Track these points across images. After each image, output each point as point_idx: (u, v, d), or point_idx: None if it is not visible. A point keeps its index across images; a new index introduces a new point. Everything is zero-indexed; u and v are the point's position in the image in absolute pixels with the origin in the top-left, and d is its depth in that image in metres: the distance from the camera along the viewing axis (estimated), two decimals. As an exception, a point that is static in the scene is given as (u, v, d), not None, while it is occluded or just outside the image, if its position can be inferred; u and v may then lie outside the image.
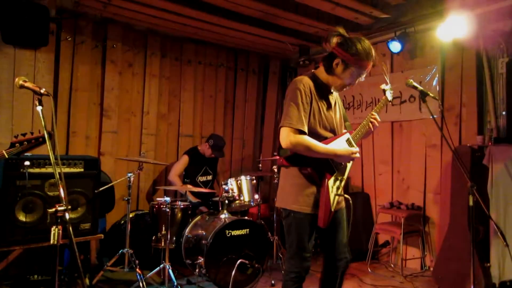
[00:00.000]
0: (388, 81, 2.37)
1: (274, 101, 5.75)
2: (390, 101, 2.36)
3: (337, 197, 2.03)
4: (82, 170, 3.18)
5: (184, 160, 4.39)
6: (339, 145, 2.05)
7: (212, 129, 5.24)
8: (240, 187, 3.83)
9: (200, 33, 4.74)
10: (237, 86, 5.54)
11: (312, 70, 2.16)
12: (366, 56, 1.99)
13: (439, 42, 3.93)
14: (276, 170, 4.25)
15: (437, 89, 4.06)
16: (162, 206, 3.55)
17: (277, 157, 2.18)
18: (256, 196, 3.91)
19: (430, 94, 2.33)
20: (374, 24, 4.45)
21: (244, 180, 3.88)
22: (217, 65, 5.29)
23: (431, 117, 2.36)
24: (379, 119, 2.24)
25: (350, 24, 4.40)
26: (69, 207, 1.77)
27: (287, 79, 5.80)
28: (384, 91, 2.36)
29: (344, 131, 2.21)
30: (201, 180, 4.43)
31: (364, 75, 2.05)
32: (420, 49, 4.23)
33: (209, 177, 4.52)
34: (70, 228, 1.75)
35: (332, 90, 2.16)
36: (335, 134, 2.12)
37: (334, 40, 2.04)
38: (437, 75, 4.07)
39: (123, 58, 4.50)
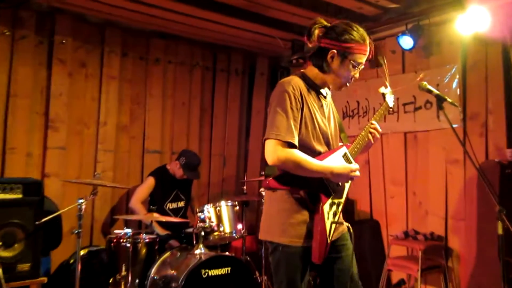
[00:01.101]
0: (387, 83, 2.41)
1: (262, 109, 5.78)
2: (391, 108, 2.40)
3: (334, 225, 2.04)
4: (20, 196, 3.13)
5: (149, 183, 4.36)
6: (335, 162, 2.06)
7: (185, 143, 5.22)
8: (219, 215, 3.81)
9: (170, 26, 4.76)
10: (216, 91, 5.55)
11: (301, 70, 2.19)
12: (362, 39, 2.06)
13: (459, 37, 4.00)
14: (264, 193, 4.23)
15: (458, 92, 4.12)
16: (121, 240, 3.50)
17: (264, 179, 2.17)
18: (240, 226, 3.89)
19: (448, 100, 2.36)
20: (382, 16, 4.53)
21: (225, 206, 3.86)
22: (191, 65, 5.31)
23: (451, 126, 2.39)
24: (379, 129, 2.28)
25: (353, 15, 4.48)
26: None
27: (277, 80, 5.84)
28: (383, 95, 2.40)
29: (339, 144, 2.23)
30: (170, 207, 4.40)
31: (363, 64, 2.10)
32: (437, 45, 4.31)
33: (181, 204, 4.48)
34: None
35: (325, 94, 2.18)
36: (329, 147, 2.14)
37: (317, 32, 2.10)
38: (457, 76, 4.14)
39: (74, 57, 4.49)
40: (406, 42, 4.20)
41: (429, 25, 4.17)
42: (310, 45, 2.13)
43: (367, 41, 2.07)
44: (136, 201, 4.28)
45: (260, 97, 5.81)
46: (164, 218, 3.75)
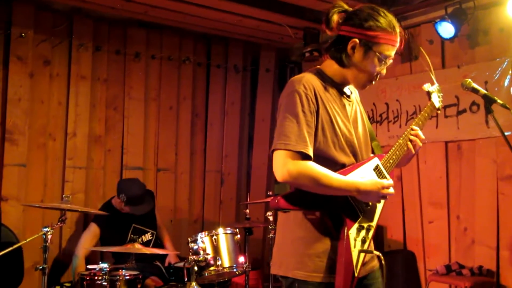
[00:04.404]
0: (434, 80, 2.43)
1: (267, 114, 5.81)
2: (438, 109, 2.42)
3: (362, 254, 2.05)
4: (-30, 224, 3.17)
5: (93, 231, 4.37)
6: (363, 176, 2.07)
7: (173, 156, 5.25)
8: (216, 246, 3.82)
9: (152, 13, 4.80)
10: (211, 92, 5.59)
11: (317, 66, 2.22)
12: (390, 27, 2.08)
13: None
14: (272, 218, 4.25)
15: (511, 91, 4.15)
16: (96, 277, 3.51)
17: (272, 197, 2.17)
18: (242, 259, 3.89)
19: (498, 101, 2.38)
20: (415, -3, 4.58)
21: (223, 235, 3.87)
22: (180, 60, 5.35)
23: (502, 134, 2.41)
24: (422, 136, 2.29)
25: (378, -3, 4.52)
26: None
27: (287, 79, 5.87)
28: (428, 93, 2.41)
29: (371, 155, 2.25)
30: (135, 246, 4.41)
31: (392, 58, 2.13)
32: (484, 33, 4.34)
33: (147, 236, 4.52)
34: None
35: (348, 93, 2.21)
36: (357, 159, 2.15)
37: (336, 18, 2.13)
38: (510, 72, 4.17)
39: (36, 53, 4.54)
40: (446, 29, 4.23)
41: (474, 9, 4.19)
42: (332, 34, 2.16)
43: (397, 30, 2.10)
44: (80, 253, 4.28)
45: (265, 100, 5.83)
46: (148, 250, 3.77)
